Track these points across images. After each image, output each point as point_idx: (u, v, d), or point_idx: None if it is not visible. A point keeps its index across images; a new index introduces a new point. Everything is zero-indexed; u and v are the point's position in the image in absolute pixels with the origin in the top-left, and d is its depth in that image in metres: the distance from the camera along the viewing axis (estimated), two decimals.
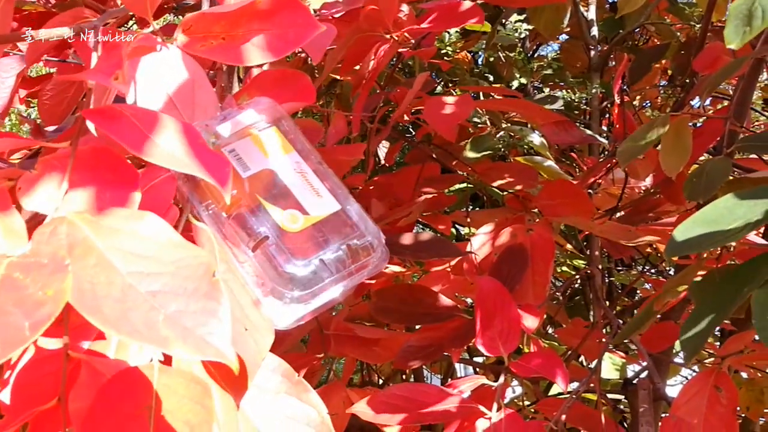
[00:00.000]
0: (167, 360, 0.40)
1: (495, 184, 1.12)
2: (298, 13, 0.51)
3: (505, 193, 1.19)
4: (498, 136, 1.47)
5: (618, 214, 1.27)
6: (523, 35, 1.51)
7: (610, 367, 1.52)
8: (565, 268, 1.83)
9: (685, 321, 0.68)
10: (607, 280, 1.77)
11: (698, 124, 1.30)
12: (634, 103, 1.85)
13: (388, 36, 1.00)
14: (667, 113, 0.85)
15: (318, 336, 1.02)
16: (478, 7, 0.96)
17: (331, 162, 0.96)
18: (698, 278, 0.80)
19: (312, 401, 0.44)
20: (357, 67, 1.06)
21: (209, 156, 0.44)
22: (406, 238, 0.94)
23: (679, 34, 1.70)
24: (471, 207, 1.81)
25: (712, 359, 0.86)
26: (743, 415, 1.60)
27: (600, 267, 1.44)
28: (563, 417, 0.85)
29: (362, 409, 0.78)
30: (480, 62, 1.59)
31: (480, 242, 1.03)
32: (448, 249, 0.93)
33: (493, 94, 1.30)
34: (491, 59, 1.53)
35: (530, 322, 0.89)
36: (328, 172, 0.54)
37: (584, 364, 1.57)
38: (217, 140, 0.51)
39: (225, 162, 0.45)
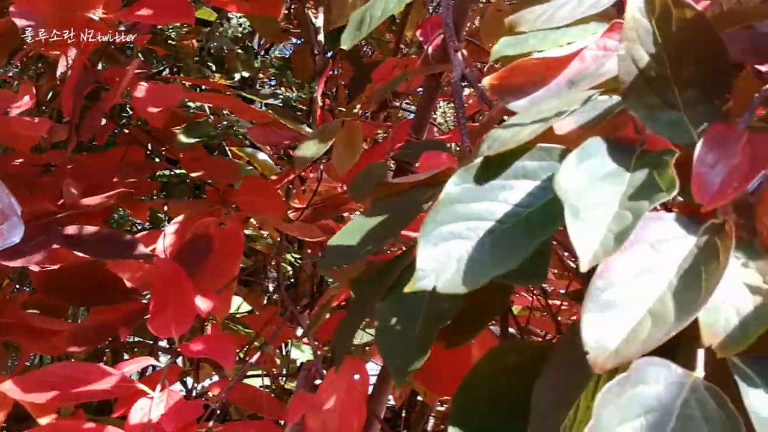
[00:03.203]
0: None
1: (194, 175, 1.14)
2: None
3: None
4: (219, 126, 1.50)
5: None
6: (246, 30, 1.55)
7: (305, 356, 1.62)
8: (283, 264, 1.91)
9: (344, 316, 0.75)
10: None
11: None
12: (355, 111, 1.98)
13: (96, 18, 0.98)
14: (338, 121, 0.94)
15: None
16: (191, 8, 0.97)
17: (11, 135, 0.93)
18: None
19: None
20: None
21: None
22: (77, 231, 0.91)
23: None
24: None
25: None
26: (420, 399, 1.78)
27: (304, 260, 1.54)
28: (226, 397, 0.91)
29: (8, 387, 0.76)
30: (211, 51, 1.61)
31: (172, 232, 1.05)
32: (123, 250, 0.91)
33: (206, 87, 1.32)
34: (212, 50, 1.55)
35: (205, 305, 0.93)
36: None
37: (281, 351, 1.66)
38: None
39: None
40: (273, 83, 2.07)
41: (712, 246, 0.37)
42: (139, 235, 1.08)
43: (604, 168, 0.41)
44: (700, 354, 0.38)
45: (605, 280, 0.36)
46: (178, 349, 0.91)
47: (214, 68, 1.52)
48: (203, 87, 1.46)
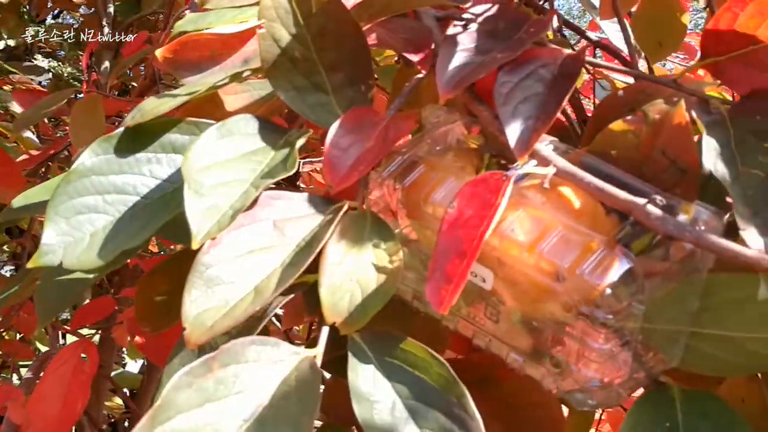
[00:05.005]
0: None
1: None
2: None
3: None
4: None
5: None
6: None
7: None
8: None
9: None
10: None
11: None
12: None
13: None
14: (68, 90, 0.90)
15: None
16: None
17: None
18: None
19: None
20: None
21: None
22: None
23: None
24: None
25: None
26: None
27: None
28: None
29: None
30: None
31: None
32: None
33: None
34: None
35: None
36: None
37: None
38: None
39: None
40: (63, 54, 1.95)
41: (331, 225, 0.38)
42: None
43: (250, 145, 0.41)
44: (324, 331, 0.38)
45: (213, 257, 0.35)
46: None
47: None
48: None
